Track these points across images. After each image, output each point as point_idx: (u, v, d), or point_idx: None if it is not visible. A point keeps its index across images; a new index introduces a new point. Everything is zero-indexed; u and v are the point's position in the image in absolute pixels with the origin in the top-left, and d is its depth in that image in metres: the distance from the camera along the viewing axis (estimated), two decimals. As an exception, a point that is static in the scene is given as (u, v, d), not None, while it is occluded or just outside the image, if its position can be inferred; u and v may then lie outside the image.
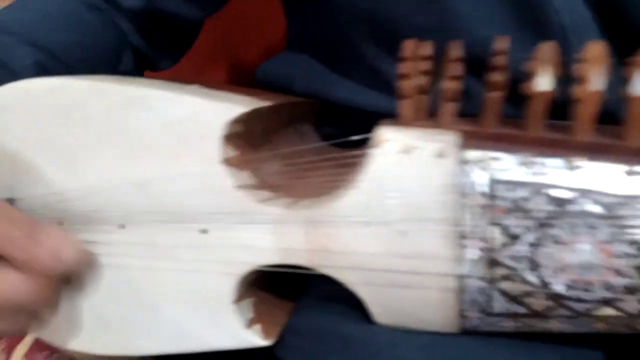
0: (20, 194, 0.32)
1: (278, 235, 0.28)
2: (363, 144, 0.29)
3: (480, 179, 0.24)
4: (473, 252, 0.24)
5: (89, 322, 0.32)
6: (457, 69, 0.25)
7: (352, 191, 0.26)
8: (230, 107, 0.28)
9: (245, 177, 0.29)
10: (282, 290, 0.34)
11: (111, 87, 0.29)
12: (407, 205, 0.25)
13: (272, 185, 0.30)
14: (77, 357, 0.42)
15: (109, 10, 0.38)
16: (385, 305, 0.27)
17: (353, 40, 0.34)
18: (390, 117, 0.28)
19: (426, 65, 0.27)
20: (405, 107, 0.26)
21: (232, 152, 0.28)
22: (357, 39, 0.34)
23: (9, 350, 0.45)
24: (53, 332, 0.33)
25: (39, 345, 0.43)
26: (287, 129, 0.36)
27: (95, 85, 0.29)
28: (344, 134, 0.32)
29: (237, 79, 0.65)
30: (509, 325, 0.25)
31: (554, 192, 0.23)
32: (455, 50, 0.25)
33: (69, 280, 0.32)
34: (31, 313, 0.28)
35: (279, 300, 0.33)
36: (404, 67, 0.26)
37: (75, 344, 0.33)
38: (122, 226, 0.30)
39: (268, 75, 0.42)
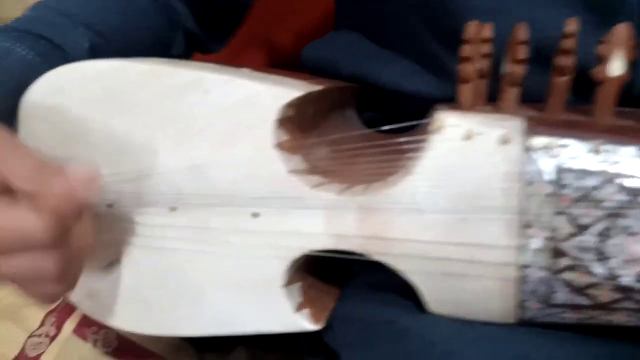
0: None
1: (331, 221, 0.27)
2: (406, 130, 0.29)
3: (547, 166, 0.23)
4: (537, 241, 0.23)
5: (135, 302, 0.33)
6: (522, 52, 0.24)
7: (410, 177, 0.25)
8: (285, 91, 0.27)
9: (297, 162, 0.29)
10: (327, 275, 0.34)
11: (167, 71, 0.29)
12: (468, 193, 0.24)
13: (322, 171, 0.29)
14: (125, 334, 0.43)
15: None
16: (440, 294, 0.26)
17: (406, 22, 0.33)
18: (440, 102, 0.27)
19: (487, 49, 0.26)
20: (465, 91, 0.26)
21: (284, 137, 0.28)
22: (410, 21, 0.33)
23: (59, 325, 0.46)
24: (99, 309, 0.34)
25: (87, 321, 0.44)
26: (334, 114, 0.36)
27: (152, 69, 0.29)
28: (387, 120, 0.32)
29: (272, 64, 0.65)
30: (569, 317, 0.25)
31: (627, 182, 0.22)
32: (522, 32, 0.24)
33: (118, 260, 0.32)
34: (46, 259, 0.25)
35: (326, 286, 0.33)
36: (465, 50, 0.25)
37: (121, 323, 0.34)
38: (174, 209, 0.30)
39: (314, 58, 0.42)
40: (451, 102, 0.27)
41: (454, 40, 0.27)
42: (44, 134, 0.31)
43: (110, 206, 0.32)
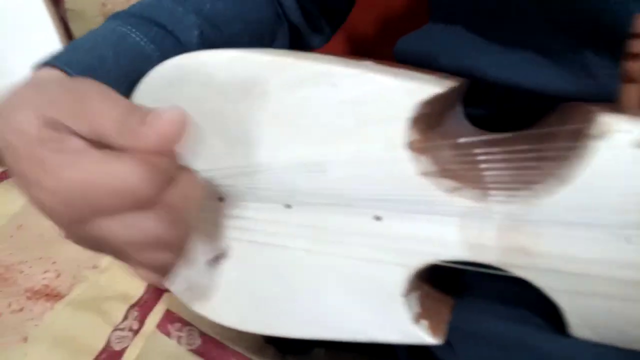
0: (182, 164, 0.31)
1: (466, 229, 0.25)
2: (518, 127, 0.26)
3: None
4: None
5: (240, 297, 0.32)
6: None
7: (566, 188, 0.23)
8: (420, 86, 0.25)
9: (427, 163, 0.27)
10: (439, 283, 0.32)
11: (291, 63, 0.27)
12: (636, 208, 0.22)
13: (452, 174, 0.27)
14: (209, 332, 0.42)
15: None
16: (588, 317, 0.24)
17: (522, 12, 0.30)
18: (562, 100, 0.25)
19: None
20: (632, 92, 0.23)
21: (415, 136, 0.26)
22: (529, 12, 0.30)
23: (141, 319, 0.46)
24: (201, 302, 0.33)
25: (170, 318, 0.44)
26: (449, 112, 0.34)
27: (277, 60, 0.27)
28: (493, 116, 0.29)
29: (351, 50, 0.64)
30: None
31: None
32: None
33: (225, 254, 0.31)
34: (148, 218, 0.23)
35: (440, 294, 0.31)
36: (636, 46, 0.22)
37: (222, 317, 0.33)
38: (289, 206, 0.29)
39: (410, 52, 0.39)
40: (579, 100, 0.25)
41: (598, 35, 0.24)
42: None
43: (221, 199, 0.31)
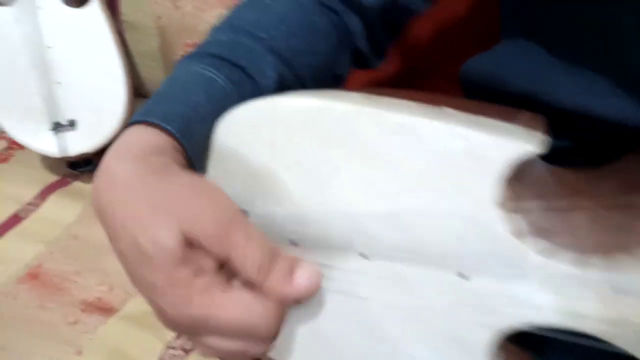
0: (256, 208, 0.31)
1: (563, 295, 0.24)
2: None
3: None
4: None
5: (317, 346, 0.31)
6: None
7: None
8: (514, 143, 0.24)
9: (519, 222, 0.25)
10: (522, 338, 0.30)
11: (374, 113, 0.26)
12: None
13: (544, 232, 0.26)
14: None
15: (342, 11, 0.36)
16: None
17: (610, 34, 0.28)
18: None
19: None
20: None
21: (506, 193, 0.25)
22: (618, 33, 0.28)
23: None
24: (275, 348, 0.33)
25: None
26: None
27: (356, 110, 0.27)
28: (568, 149, 0.27)
29: (404, 53, 0.62)
30: None
31: None
32: None
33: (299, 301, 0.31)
34: (258, 338, 0.26)
35: (524, 354, 0.30)
36: None
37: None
38: (365, 256, 0.28)
39: (475, 73, 0.38)
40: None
41: None
42: (233, 165, 0.30)
43: (294, 243, 0.30)
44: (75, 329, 0.55)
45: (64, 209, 0.65)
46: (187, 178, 0.27)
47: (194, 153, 0.29)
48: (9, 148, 0.74)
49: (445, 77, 0.59)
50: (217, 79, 0.30)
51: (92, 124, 0.64)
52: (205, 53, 0.32)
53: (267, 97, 0.29)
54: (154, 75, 0.79)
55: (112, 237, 0.25)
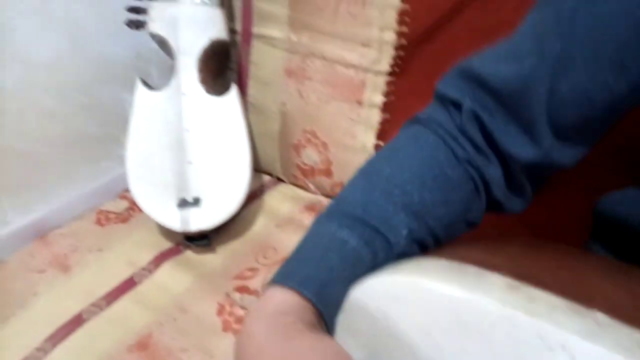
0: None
1: None
2: None
3: None
4: None
5: None
6: None
7: None
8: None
9: None
10: None
11: (530, 323, 0.25)
12: None
13: None
14: None
15: (484, 165, 0.35)
16: None
17: None
18: None
19: None
20: None
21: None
22: None
23: None
24: None
25: None
26: None
27: (510, 314, 0.26)
28: None
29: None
30: None
31: None
32: None
33: None
34: None
35: None
36: None
37: None
38: None
39: (610, 210, 0.37)
40: None
41: None
42: (362, 332, 0.31)
43: None
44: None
45: (174, 279, 0.67)
46: (309, 339, 0.28)
47: (327, 313, 0.30)
48: (129, 209, 0.78)
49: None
50: (351, 239, 0.31)
51: (214, 203, 0.67)
52: (341, 212, 0.33)
53: (406, 270, 0.29)
54: (270, 154, 0.84)
55: None
